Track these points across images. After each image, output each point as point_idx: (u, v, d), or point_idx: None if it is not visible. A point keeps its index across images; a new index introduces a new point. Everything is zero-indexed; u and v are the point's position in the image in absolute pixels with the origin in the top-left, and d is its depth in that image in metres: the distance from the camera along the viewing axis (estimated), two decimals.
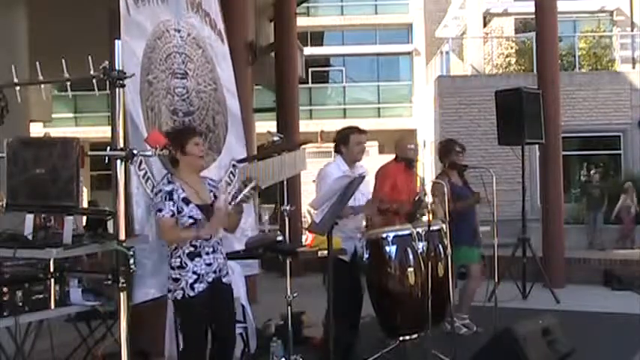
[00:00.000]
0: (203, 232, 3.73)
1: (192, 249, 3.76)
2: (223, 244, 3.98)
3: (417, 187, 5.59)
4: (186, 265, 3.75)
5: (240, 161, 5.16)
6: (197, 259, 3.77)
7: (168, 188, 3.74)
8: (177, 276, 3.75)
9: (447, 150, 6.23)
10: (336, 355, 4.21)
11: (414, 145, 5.73)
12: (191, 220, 3.74)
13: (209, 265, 3.80)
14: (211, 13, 5.27)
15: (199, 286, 3.75)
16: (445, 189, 5.10)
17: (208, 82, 5.09)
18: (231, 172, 5.13)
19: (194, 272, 3.75)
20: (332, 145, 5.20)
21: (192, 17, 5.02)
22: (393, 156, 5.71)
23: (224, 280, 3.90)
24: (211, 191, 3.94)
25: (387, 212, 5.26)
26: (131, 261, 3.23)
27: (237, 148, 5.31)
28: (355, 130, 5.09)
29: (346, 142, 5.03)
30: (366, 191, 5.08)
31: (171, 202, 3.71)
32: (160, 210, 3.72)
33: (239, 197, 3.83)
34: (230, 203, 3.79)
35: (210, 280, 3.79)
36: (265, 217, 6.19)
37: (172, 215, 3.71)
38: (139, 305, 3.96)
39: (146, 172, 4.32)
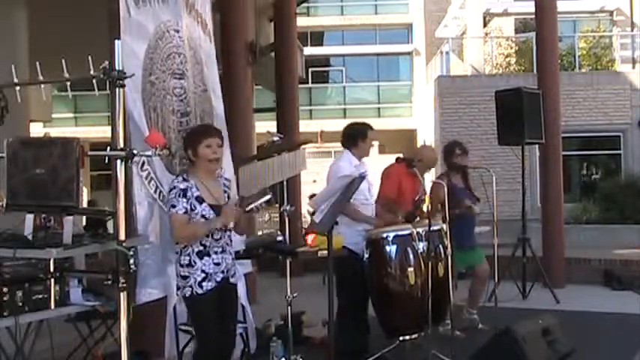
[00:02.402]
0: (215, 223, 3.73)
1: (201, 248, 3.78)
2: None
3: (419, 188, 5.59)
4: (195, 263, 3.77)
5: (241, 161, 5.16)
6: (206, 258, 3.78)
7: (182, 186, 3.75)
8: (186, 274, 3.77)
9: (447, 152, 6.24)
10: (343, 355, 4.23)
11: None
12: (203, 220, 3.76)
13: (217, 264, 3.82)
14: (203, 14, 5.27)
15: (207, 285, 3.77)
16: (444, 190, 5.09)
17: (199, 83, 5.10)
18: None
19: (202, 271, 3.77)
20: (332, 144, 5.25)
21: (186, 18, 5.03)
22: (393, 156, 5.70)
23: (231, 280, 3.93)
24: (225, 191, 3.95)
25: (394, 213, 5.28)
26: (131, 261, 3.23)
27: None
28: (369, 126, 5.25)
29: (364, 138, 5.14)
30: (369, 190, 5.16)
31: (184, 200, 3.73)
32: (174, 206, 3.73)
33: (251, 206, 3.85)
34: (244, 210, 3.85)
35: (218, 279, 3.81)
36: (265, 217, 6.21)
37: (185, 212, 3.73)
38: (140, 305, 3.96)
39: (149, 173, 4.32)
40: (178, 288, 3.84)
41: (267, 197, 3.85)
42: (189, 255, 3.78)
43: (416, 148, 5.96)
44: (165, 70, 4.65)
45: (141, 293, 4.06)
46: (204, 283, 3.76)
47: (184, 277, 3.78)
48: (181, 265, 3.80)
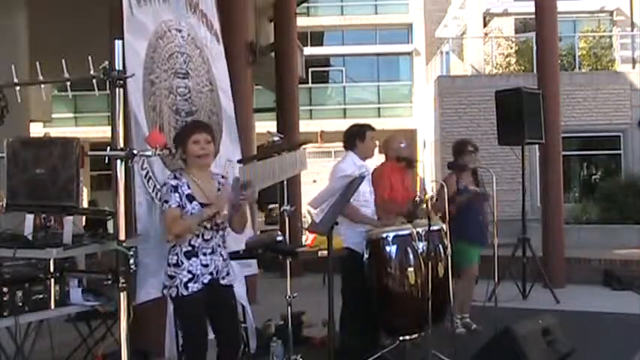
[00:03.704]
0: (207, 211, 3.68)
1: (189, 248, 3.75)
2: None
3: (417, 186, 5.58)
4: (182, 263, 3.73)
5: (241, 161, 5.16)
6: (194, 258, 3.75)
7: (173, 183, 3.74)
8: (173, 273, 3.74)
9: (458, 150, 6.23)
10: (344, 355, 4.22)
11: (404, 142, 5.69)
12: None
13: (205, 266, 3.78)
14: (208, 14, 5.27)
15: (193, 286, 3.73)
16: (445, 190, 5.09)
17: (205, 82, 5.09)
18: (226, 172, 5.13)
19: (189, 271, 3.73)
20: (332, 144, 5.25)
21: (191, 17, 5.02)
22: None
23: (223, 282, 3.87)
24: (219, 189, 3.91)
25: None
26: (131, 261, 3.23)
27: (231, 149, 5.30)
28: (369, 126, 5.26)
29: (363, 138, 5.15)
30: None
31: (177, 194, 3.71)
32: (167, 201, 3.72)
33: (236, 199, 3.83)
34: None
35: (206, 281, 3.77)
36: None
37: (178, 206, 3.70)
38: (139, 305, 3.96)
39: (148, 172, 4.32)
40: (165, 287, 3.78)
41: (241, 182, 3.83)
42: (176, 255, 3.74)
43: (388, 146, 5.75)
44: (167, 70, 4.64)
45: (140, 293, 4.06)
46: (189, 284, 3.72)
47: (171, 277, 3.74)
48: (169, 265, 3.76)
